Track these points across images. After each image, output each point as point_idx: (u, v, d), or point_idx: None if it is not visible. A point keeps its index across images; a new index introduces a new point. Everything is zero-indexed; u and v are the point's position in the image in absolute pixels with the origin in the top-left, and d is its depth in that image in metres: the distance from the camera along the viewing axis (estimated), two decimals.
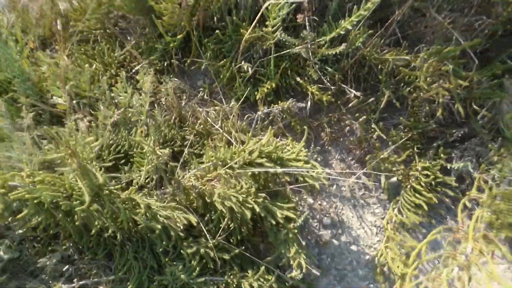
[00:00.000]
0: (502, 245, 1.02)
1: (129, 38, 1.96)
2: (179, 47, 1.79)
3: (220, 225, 1.32)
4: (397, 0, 1.58)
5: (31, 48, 1.83)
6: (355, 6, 1.48)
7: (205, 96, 1.81)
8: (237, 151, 1.31)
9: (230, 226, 1.35)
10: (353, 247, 1.57)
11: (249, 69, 1.55)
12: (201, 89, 1.82)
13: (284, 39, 1.52)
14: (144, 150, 1.29)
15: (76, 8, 1.91)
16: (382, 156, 1.56)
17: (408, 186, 1.55)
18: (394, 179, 1.54)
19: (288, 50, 1.55)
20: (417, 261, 1.15)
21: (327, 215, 1.61)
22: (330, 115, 1.74)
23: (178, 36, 1.73)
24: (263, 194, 1.30)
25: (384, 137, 1.65)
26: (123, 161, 1.48)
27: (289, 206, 1.31)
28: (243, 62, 1.58)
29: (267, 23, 1.47)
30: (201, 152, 1.62)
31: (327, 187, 1.67)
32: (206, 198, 1.33)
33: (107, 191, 1.20)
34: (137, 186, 1.32)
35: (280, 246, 1.33)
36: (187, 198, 1.39)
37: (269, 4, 1.32)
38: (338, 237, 1.58)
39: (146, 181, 1.40)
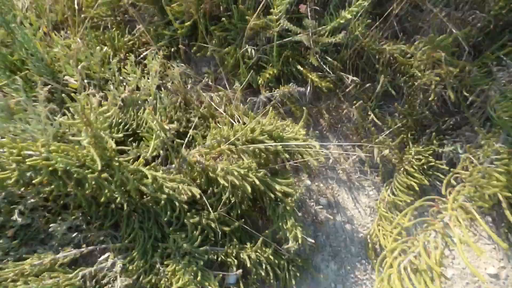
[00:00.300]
0: (479, 217, 1.09)
1: (137, 25, 2.03)
2: (186, 34, 1.87)
3: (222, 198, 1.38)
4: None
5: (44, 32, 1.90)
6: None
7: (210, 82, 1.87)
8: (240, 129, 1.38)
9: (231, 200, 1.42)
10: (347, 226, 1.64)
11: (253, 52, 1.62)
12: (206, 75, 1.89)
13: (287, 27, 1.59)
14: (153, 124, 1.36)
15: None
16: (377, 140, 1.63)
17: (401, 169, 1.62)
18: (386, 151, 1.60)
19: (290, 38, 1.62)
20: (400, 227, 1.22)
21: (323, 196, 1.68)
22: (328, 102, 1.81)
23: (186, 24, 1.80)
24: (264, 170, 1.37)
25: (380, 124, 1.72)
26: (131, 139, 1.55)
27: (288, 181, 1.38)
28: (248, 47, 1.66)
29: (271, 10, 1.54)
30: (205, 134, 1.68)
31: (324, 170, 1.74)
32: (210, 173, 1.40)
33: (116, 162, 1.27)
34: (144, 160, 1.39)
35: (277, 220, 1.40)
36: (191, 173, 1.46)
37: None
38: (334, 217, 1.65)
39: (153, 156, 1.47)
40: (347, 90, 1.70)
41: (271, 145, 1.33)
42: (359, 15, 1.56)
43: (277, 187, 1.34)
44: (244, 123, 1.58)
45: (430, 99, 1.51)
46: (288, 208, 1.36)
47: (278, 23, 1.60)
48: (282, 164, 1.46)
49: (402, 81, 1.69)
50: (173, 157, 1.44)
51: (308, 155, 1.36)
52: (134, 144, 1.52)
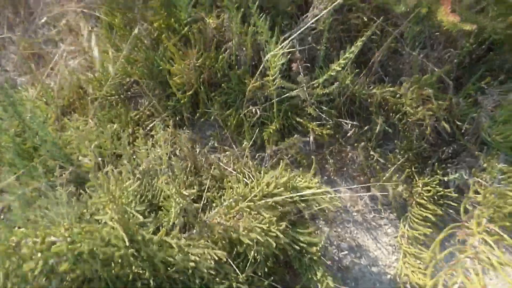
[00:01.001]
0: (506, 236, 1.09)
1: (140, 100, 2.12)
2: (188, 103, 1.95)
3: (248, 257, 1.35)
4: (376, 44, 1.80)
5: (53, 117, 1.96)
6: (341, 51, 1.68)
7: (216, 144, 1.92)
8: (255, 185, 1.39)
9: (257, 258, 1.38)
10: (374, 269, 1.60)
11: (258, 111, 1.69)
12: (211, 138, 1.94)
13: (283, 85, 1.68)
14: (171, 192, 1.36)
15: (91, 79, 2.08)
16: (384, 178, 1.65)
17: (413, 202, 1.63)
18: (400, 187, 1.61)
19: (287, 94, 1.70)
20: (433, 260, 1.20)
21: (343, 241, 1.65)
22: (331, 148, 1.86)
23: (188, 93, 1.89)
24: (284, 223, 1.36)
25: (383, 162, 1.76)
26: (147, 209, 1.54)
27: (309, 231, 1.36)
28: (250, 107, 1.73)
29: (267, 72, 1.64)
30: (219, 195, 1.69)
31: (339, 215, 1.74)
32: (232, 233, 1.37)
33: (140, 236, 1.25)
34: (165, 230, 1.36)
35: (306, 272, 1.36)
36: (212, 236, 1.43)
37: (269, 56, 1.50)
38: (358, 261, 1.61)
39: (172, 225, 1.44)
40: (348, 134, 1.76)
41: (288, 197, 1.34)
42: (346, 66, 1.67)
43: (301, 238, 1.32)
44: (257, 179, 1.60)
45: (427, 132, 1.57)
46: (315, 258, 1.33)
47: (274, 82, 1.69)
48: (299, 214, 1.46)
49: (396, 119, 1.76)
50: (194, 222, 1.42)
51: (324, 202, 1.37)
52: (151, 214, 1.50)
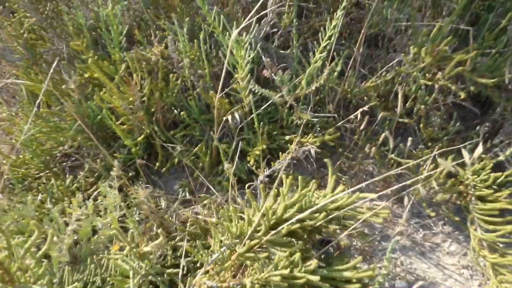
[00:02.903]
0: None
1: (80, 172, 1.71)
2: (142, 153, 1.57)
3: None
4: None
5: None
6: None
7: (187, 195, 1.51)
8: (255, 218, 0.97)
9: None
10: None
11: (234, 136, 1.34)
12: (180, 189, 1.53)
13: (258, 92, 1.39)
14: (126, 257, 0.90)
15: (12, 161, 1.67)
16: (423, 176, 1.29)
17: (472, 199, 1.25)
18: (447, 196, 1.25)
19: (271, 101, 1.40)
20: None
21: (397, 277, 1.19)
22: (337, 162, 1.51)
23: (139, 139, 1.52)
24: (314, 261, 0.91)
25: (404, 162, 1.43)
26: None
27: (355, 262, 0.92)
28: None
29: (236, 76, 1.35)
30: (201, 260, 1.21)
31: (377, 245, 1.30)
32: None
33: None
34: None
35: None
36: None
37: (229, 51, 1.22)
38: None
39: None
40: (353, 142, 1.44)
41: (309, 218, 0.92)
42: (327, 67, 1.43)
43: (349, 274, 0.87)
44: (253, 209, 1.17)
45: (462, 96, 1.26)
46: None
47: (248, 92, 1.39)
48: (331, 245, 1.02)
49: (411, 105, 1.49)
50: None
51: (361, 215, 0.96)
52: None
